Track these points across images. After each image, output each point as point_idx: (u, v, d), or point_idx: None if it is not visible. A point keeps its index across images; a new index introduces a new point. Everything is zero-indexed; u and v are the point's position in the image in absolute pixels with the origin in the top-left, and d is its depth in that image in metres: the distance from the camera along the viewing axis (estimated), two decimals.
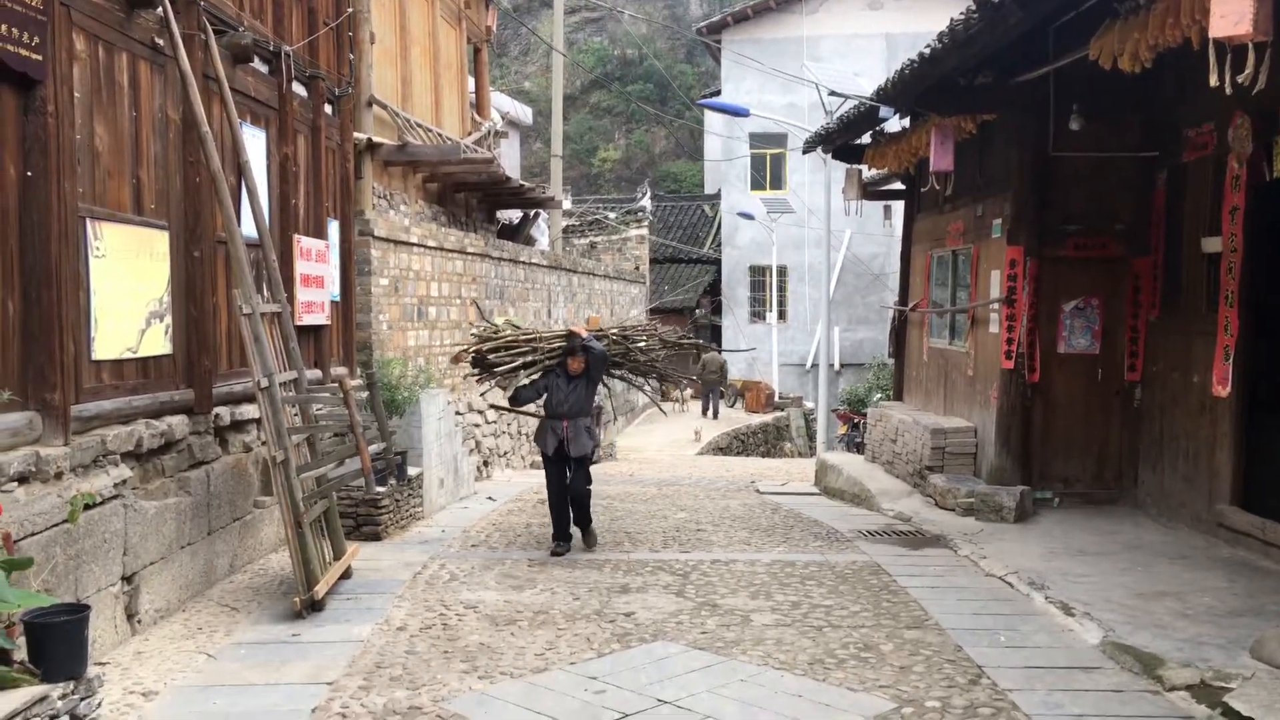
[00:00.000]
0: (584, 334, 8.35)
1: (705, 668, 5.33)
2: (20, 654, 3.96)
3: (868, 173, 13.19)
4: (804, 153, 14.06)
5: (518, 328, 8.92)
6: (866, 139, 12.13)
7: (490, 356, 8.39)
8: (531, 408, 8.85)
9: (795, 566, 7.64)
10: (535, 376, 8.34)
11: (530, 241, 17.94)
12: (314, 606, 6.13)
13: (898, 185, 13.44)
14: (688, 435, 21.57)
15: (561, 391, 8.17)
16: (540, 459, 8.80)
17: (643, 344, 9.03)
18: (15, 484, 4.69)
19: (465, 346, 9.01)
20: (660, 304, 28.66)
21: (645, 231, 27.67)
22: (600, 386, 8.75)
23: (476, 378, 8.99)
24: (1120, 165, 9.19)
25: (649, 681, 5.09)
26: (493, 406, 12.24)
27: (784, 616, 6.29)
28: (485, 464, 13.04)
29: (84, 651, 4.12)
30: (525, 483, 12.30)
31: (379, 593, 6.67)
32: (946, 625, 6.11)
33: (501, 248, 14.69)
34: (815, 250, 20.09)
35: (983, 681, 5.17)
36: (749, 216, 26.78)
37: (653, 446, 19.82)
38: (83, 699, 4.08)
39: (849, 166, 13.31)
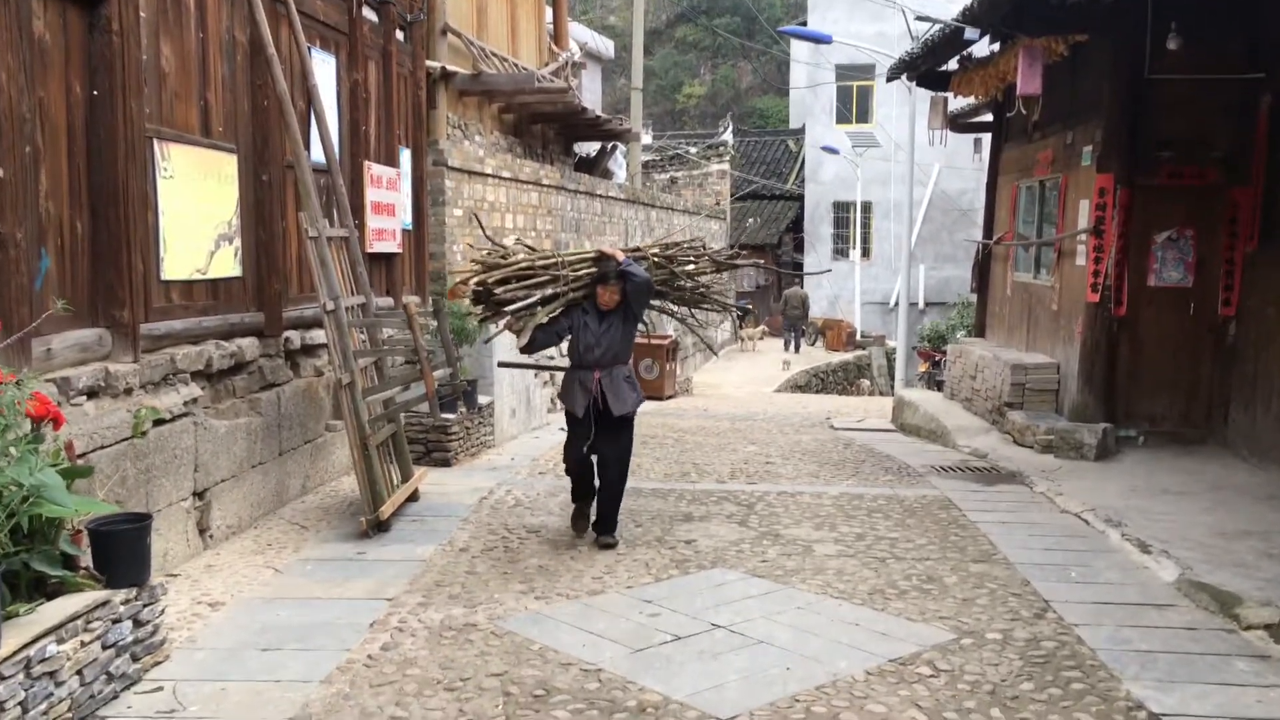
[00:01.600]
0: (620, 256, 6.18)
1: (762, 595, 5.28)
2: (86, 560, 4.08)
3: (954, 101, 12.72)
4: (888, 80, 13.61)
5: (532, 250, 6.72)
6: (953, 65, 11.67)
7: (497, 290, 6.25)
8: (553, 358, 7.33)
9: (863, 499, 7.52)
10: (556, 314, 6.24)
11: (607, 175, 17.80)
12: (380, 527, 6.23)
13: (986, 117, 12.95)
14: (767, 372, 21.40)
15: (591, 332, 6.12)
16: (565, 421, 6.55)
17: (690, 266, 6.71)
18: (84, 398, 4.82)
19: (462, 276, 6.75)
20: (741, 240, 28.32)
21: (726, 166, 27.28)
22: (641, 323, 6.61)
23: (480, 318, 6.75)
24: (1220, 89, 8.67)
25: (704, 606, 5.07)
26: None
27: (847, 548, 6.19)
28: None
29: (146, 560, 4.23)
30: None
31: (444, 515, 6.76)
32: (1015, 560, 5.95)
33: (578, 180, 14.60)
34: (901, 186, 19.51)
35: (1048, 616, 5.02)
36: (833, 151, 26.19)
37: (730, 383, 19.70)
38: (145, 605, 4.20)
39: (934, 94, 12.84)
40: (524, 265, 6.29)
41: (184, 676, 4.17)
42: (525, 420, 10.72)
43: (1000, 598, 5.29)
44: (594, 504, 6.34)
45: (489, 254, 6.51)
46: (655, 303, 6.74)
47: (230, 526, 6.12)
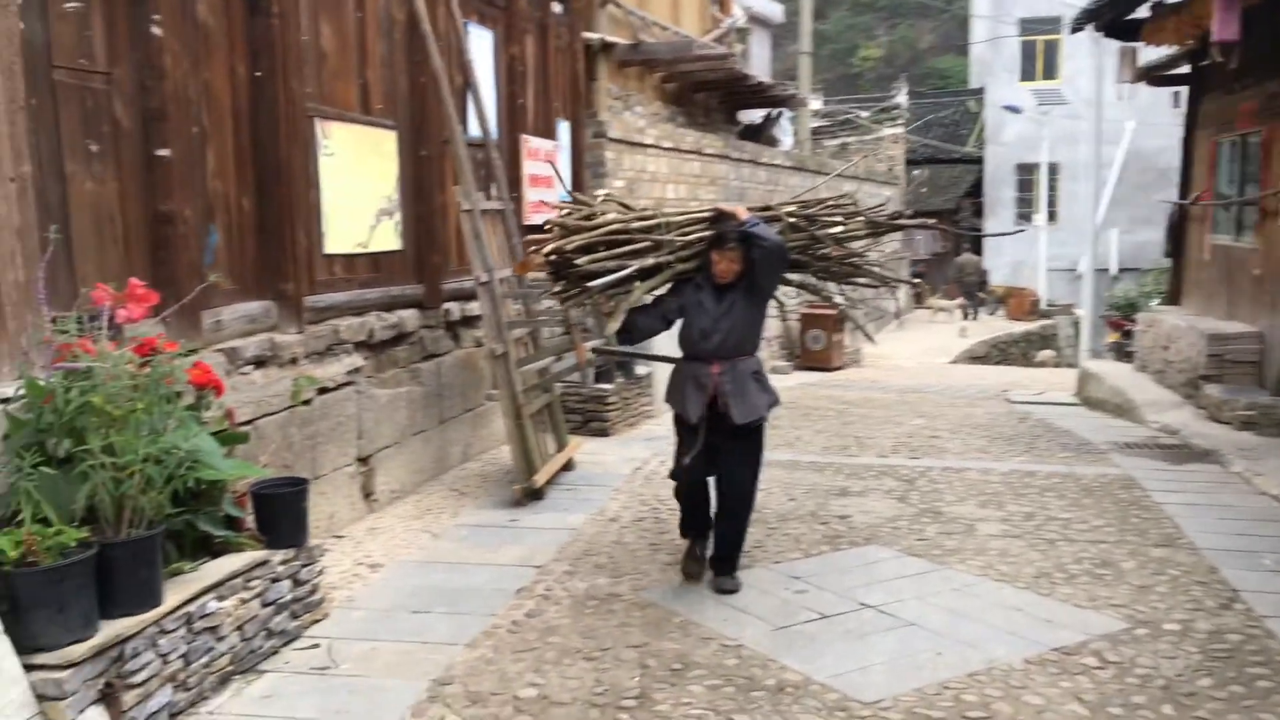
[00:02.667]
0: (743, 214, 4.81)
1: (917, 575, 5.06)
2: (250, 522, 4.28)
3: (1146, 51, 11.81)
4: (1072, 31, 12.77)
5: (627, 207, 5.32)
6: (1144, 12, 10.82)
7: (579, 261, 4.82)
8: (657, 346, 5.97)
9: (1035, 477, 7.12)
10: (660, 291, 4.98)
11: (773, 143, 17.49)
12: (534, 495, 6.31)
13: (1182, 69, 11.97)
14: (942, 343, 20.65)
15: (707, 314, 4.74)
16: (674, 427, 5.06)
17: (837, 229, 5.24)
18: (252, 367, 5.05)
19: (538, 246, 5.02)
20: (917, 207, 27.38)
21: (900, 130, 26.39)
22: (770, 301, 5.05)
23: (560, 296, 5.15)
24: None
25: (854, 585, 4.89)
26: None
27: (1013, 527, 5.87)
28: None
29: (304, 522, 4.40)
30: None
31: (597, 485, 6.79)
32: (1202, 545, 5.50)
33: (741, 149, 14.39)
34: (1091, 145, 18.35)
35: (1236, 606, 4.61)
36: (1016, 110, 24.92)
37: (903, 354, 19.10)
38: (304, 565, 4.37)
39: (1123, 45, 11.96)
40: (614, 228, 4.84)
41: (340, 635, 4.33)
42: None
43: (1182, 585, 4.89)
44: (710, 539, 4.99)
45: (569, 214, 5.04)
46: (793, 276, 5.30)
47: (393, 491, 6.33)
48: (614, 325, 4.84)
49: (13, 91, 3.77)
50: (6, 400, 3.55)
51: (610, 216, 5.00)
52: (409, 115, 6.62)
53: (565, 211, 5.08)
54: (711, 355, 4.72)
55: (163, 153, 4.53)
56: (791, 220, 5.06)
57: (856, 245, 5.36)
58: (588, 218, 5.00)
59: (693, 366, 4.79)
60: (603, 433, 8.34)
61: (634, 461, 7.45)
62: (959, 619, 4.48)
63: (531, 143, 8.29)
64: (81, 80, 4.17)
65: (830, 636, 4.30)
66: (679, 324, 4.89)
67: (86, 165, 4.19)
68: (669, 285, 4.96)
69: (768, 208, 5.16)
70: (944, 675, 3.93)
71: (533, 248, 5.03)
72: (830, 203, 5.38)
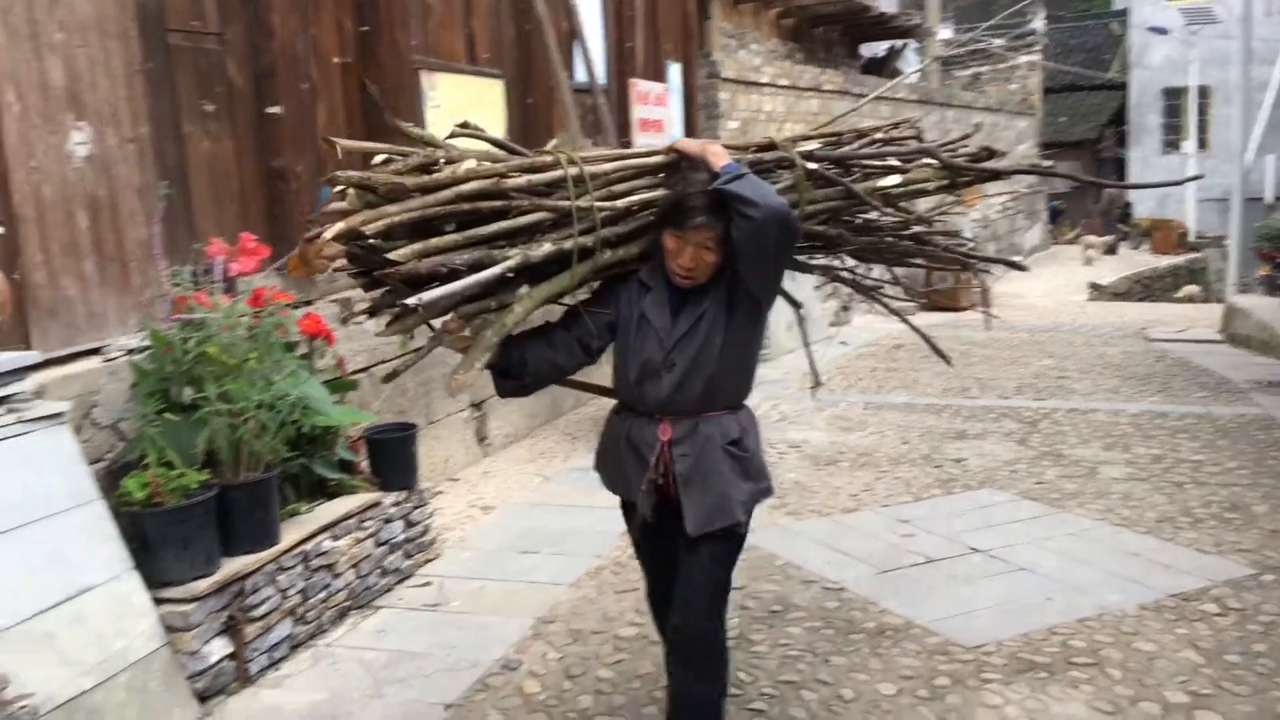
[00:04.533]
0: (718, 159, 2.63)
1: (1031, 519, 4.92)
2: (364, 466, 4.45)
3: None
4: None
5: (514, 152, 2.85)
6: None
7: (398, 254, 2.43)
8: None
9: (1166, 418, 6.81)
10: (576, 300, 2.85)
11: (897, 76, 16.93)
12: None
13: None
14: (1079, 279, 19.81)
15: (654, 337, 2.72)
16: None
17: (891, 180, 3.15)
18: (365, 316, 5.21)
19: (319, 227, 2.52)
20: (1054, 138, 26.19)
21: (1037, 58, 25.12)
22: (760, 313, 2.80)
23: (375, 312, 2.77)
24: None
25: (964, 529, 4.80)
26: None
27: (1138, 470, 5.64)
28: (845, 309, 12.79)
29: (414, 466, 4.56)
30: (884, 329, 11.93)
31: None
32: None
33: (862, 84, 13.98)
34: (1250, 66, 17.14)
35: None
36: (1162, 31, 23.46)
37: (1035, 292, 18.41)
38: (415, 507, 4.54)
39: None
40: (471, 189, 2.54)
41: (451, 573, 4.48)
42: (801, 334, 10.54)
43: None
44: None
45: (392, 163, 2.61)
46: (816, 260, 3.33)
47: (507, 435, 6.48)
48: (475, 365, 2.55)
49: (129, 56, 3.96)
50: (133, 351, 3.77)
51: (467, 168, 2.59)
52: (515, 63, 6.65)
53: (382, 160, 2.60)
54: (660, 408, 2.69)
55: (274, 110, 4.69)
56: (812, 168, 2.91)
57: (914, 203, 3.29)
58: (425, 169, 2.58)
59: (630, 424, 2.78)
60: None
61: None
62: (1073, 564, 4.35)
63: (640, 86, 8.23)
64: (195, 42, 4.33)
65: (935, 580, 4.24)
66: (618, 351, 2.78)
67: (202, 125, 4.37)
68: (590, 287, 2.86)
69: (770, 145, 2.95)
70: (1052, 620, 3.83)
71: (312, 230, 2.52)
72: (878, 135, 3.23)
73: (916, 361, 9.09)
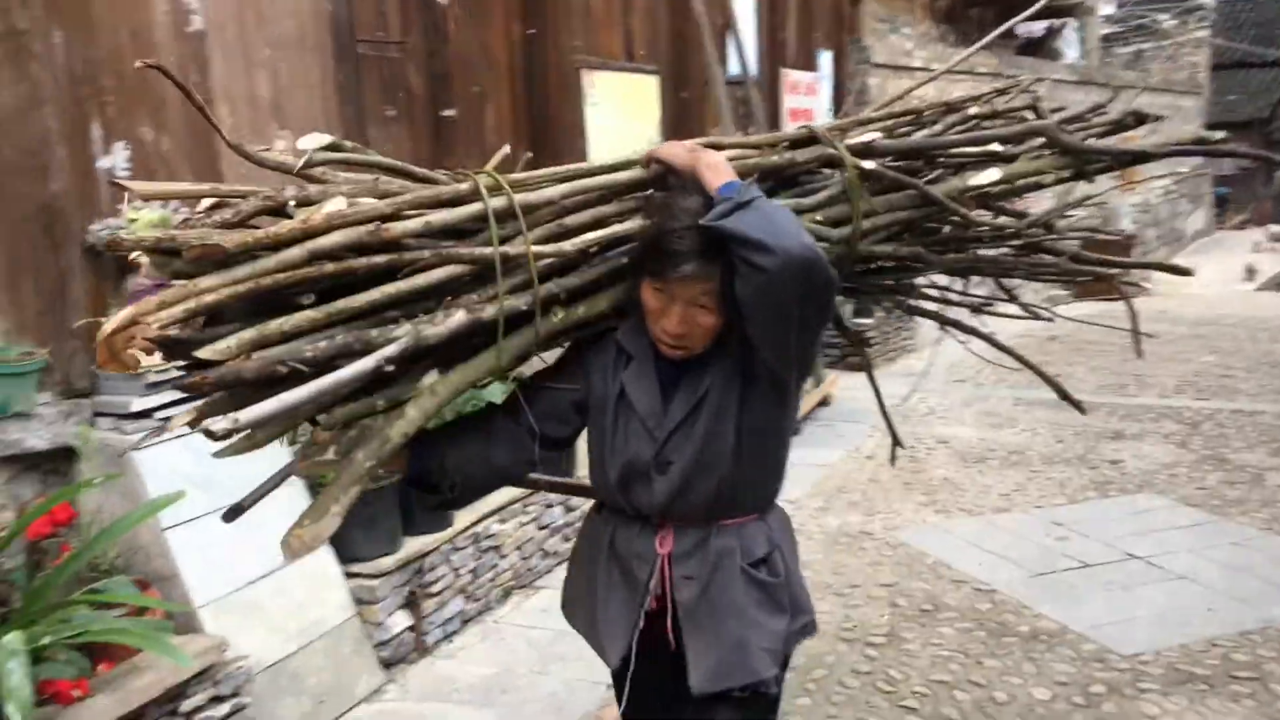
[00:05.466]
0: (713, 171, 1.78)
1: (1192, 525, 4.82)
2: None
3: None
4: None
5: (392, 171, 1.87)
6: None
7: (220, 346, 1.54)
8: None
9: None
10: (512, 382, 2.02)
11: (1055, 56, 16.37)
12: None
13: None
14: (1246, 266, 18.80)
15: (642, 423, 1.90)
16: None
17: (990, 176, 2.19)
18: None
19: (129, 316, 1.57)
20: (1220, 118, 24.84)
21: (1205, 34, 23.86)
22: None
23: (189, 421, 1.60)
24: None
25: (1121, 534, 4.73)
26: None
27: None
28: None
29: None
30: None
31: (853, 421, 6.83)
32: None
33: (1018, 65, 13.60)
34: None
35: None
36: None
37: (1198, 281, 17.60)
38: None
39: None
40: (330, 243, 1.62)
41: None
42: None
43: None
44: None
45: (210, 216, 1.66)
46: (879, 302, 3.07)
47: None
48: (331, 509, 1.67)
49: (325, 67, 4.25)
50: None
51: (330, 212, 1.65)
52: (670, 58, 6.78)
53: (209, 207, 1.70)
54: (658, 512, 1.95)
55: (448, 113, 4.94)
56: (868, 166, 2.08)
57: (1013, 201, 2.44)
58: (276, 215, 1.70)
59: (615, 529, 2.01)
60: (860, 367, 8.33)
61: (891, 397, 7.37)
62: (1236, 574, 4.26)
63: (791, 76, 8.26)
64: (380, 51, 4.60)
65: (1091, 586, 4.21)
66: (593, 447, 2.01)
67: (384, 129, 4.65)
68: (552, 361, 2.08)
69: (808, 138, 2.11)
70: (1212, 632, 3.78)
71: (114, 318, 1.61)
72: (974, 110, 2.37)
73: (1069, 355, 8.87)
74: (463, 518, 4.04)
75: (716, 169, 1.79)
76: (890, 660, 3.66)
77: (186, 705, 2.93)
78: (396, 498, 3.73)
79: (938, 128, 2.31)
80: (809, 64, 8.66)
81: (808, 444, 6.34)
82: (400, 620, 3.73)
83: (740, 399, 1.87)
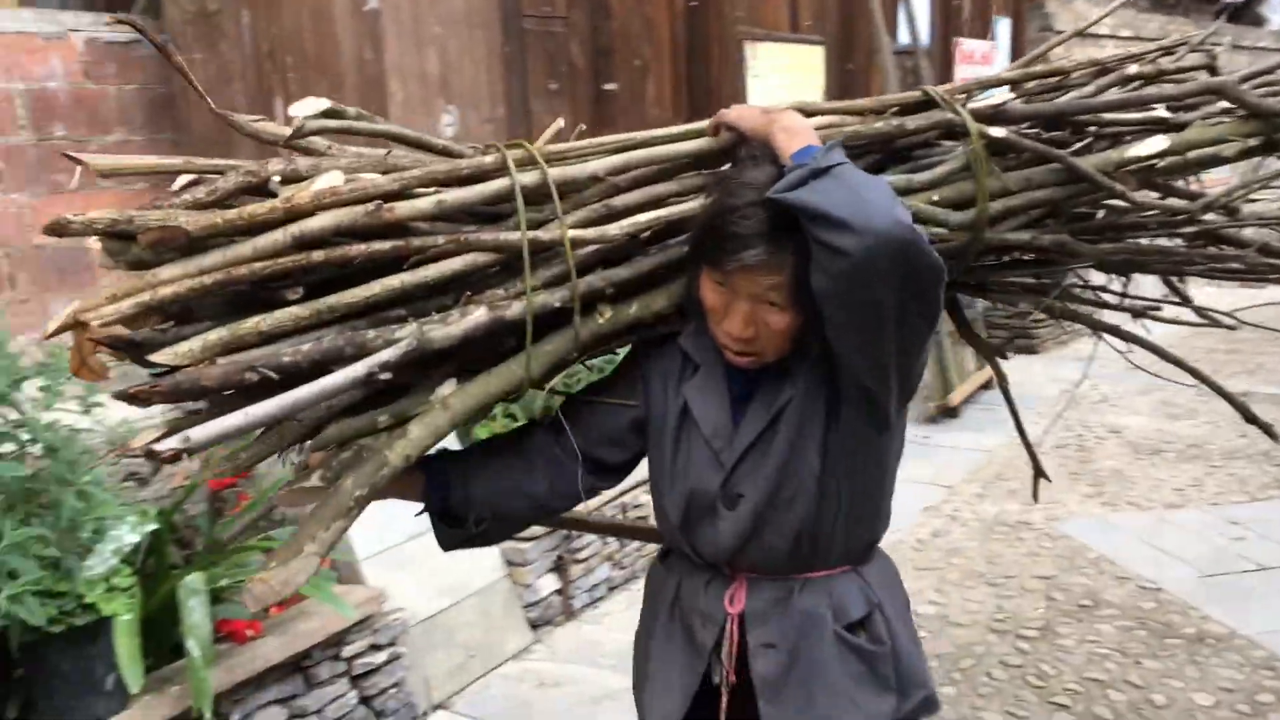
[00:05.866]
0: (792, 142, 1.41)
1: None
2: None
3: None
4: None
5: (403, 140, 1.58)
6: None
7: (183, 349, 1.29)
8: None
9: None
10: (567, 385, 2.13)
11: (1259, 22, 15.20)
12: (948, 413, 6.29)
13: None
14: None
15: (703, 447, 1.58)
16: None
17: (1157, 144, 1.80)
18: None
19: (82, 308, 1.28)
20: None
21: None
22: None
23: (154, 440, 1.27)
24: None
25: None
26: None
27: None
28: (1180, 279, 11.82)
29: None
30: (1228, 301, 10.94)
31: (1027, 408, 6.58)
32: None
33: (1219, 33, 12.71)
34: None
35: None
36: None
37: None
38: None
39: None
40: (318, 226, 1.35)
41: None
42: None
43: None
44: None
45: (186, 195, 1.39)
46: (1014, 303, 2.23)
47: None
48: (308, 547, 1.37)
49: (491, 43, 4.36)
50: None
51: (320, 189, 1.37)
52: (836, 28, 6.64)
53: (184, 185, 1.43)
54: (727, 559, 1.62)
55: (609, 86, 5.00)
56: (997, 134, 1.74)
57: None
58: (256, 192, 1.43)
59: (681, 579, 1.70)
60: (1029, 350, 8.03)
61: (1061, 383, 7.12)
62: None
63: (965, 45, 7.95)
64: (544, 25, 4.69)
65: (1268, 590, 3.96)
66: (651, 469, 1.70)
67: (547, 103, 4.74)
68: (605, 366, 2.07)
69: (925, 101, 1.79)
70: None
71: (56, 317, 1.29)
72: (1134, 70, 1.96)
73: (1263, 345, 8.29)
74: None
75: (794, 132, 1.44)
76: (1043, 654, 3.54)
77: (347, 651, 3.11)
78: None
79: (1088, 89, 1.93)
80: (984, 32, 8.32)
81: (967, 428, 6.17)
82: (549, 583, 3.84)
83: (827, 418, 1.52)
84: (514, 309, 1.44)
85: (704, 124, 1.60)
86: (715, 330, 1.50)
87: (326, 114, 1.52)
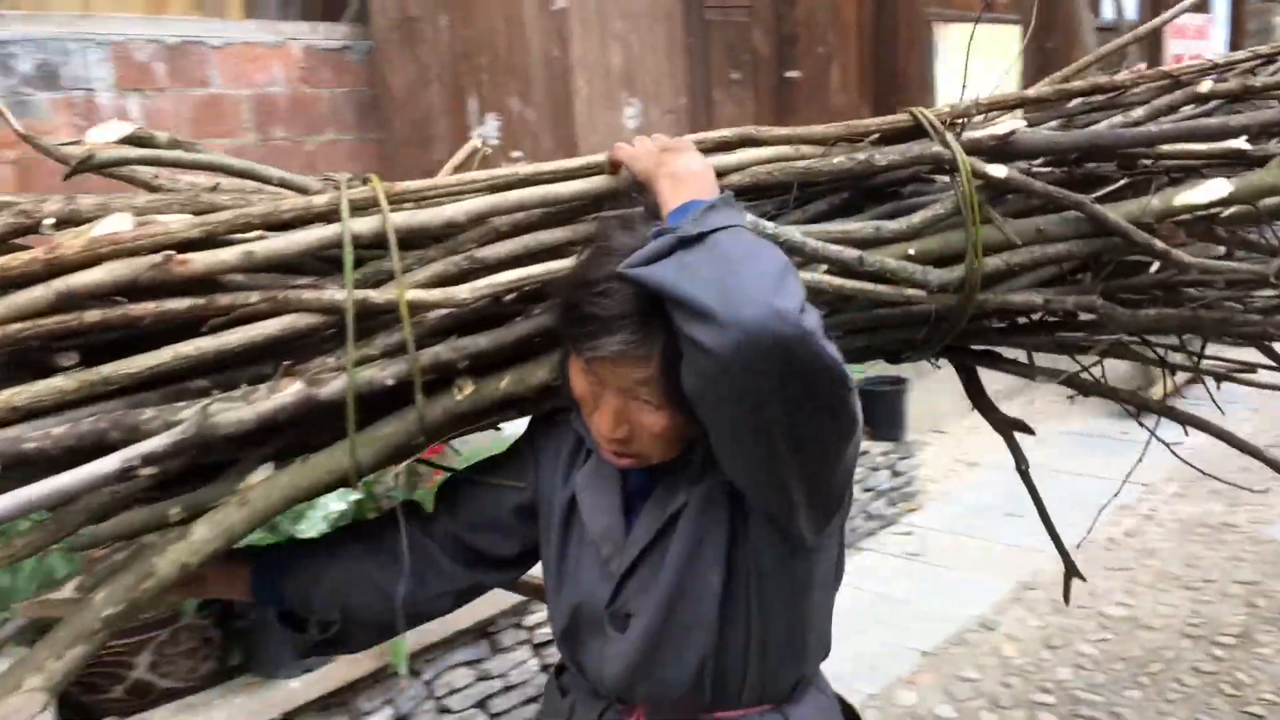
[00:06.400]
0: (678, 191, 1.16)
1: None
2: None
3: None
4: None
5: (228, 171, 1.32)
6: None
7: None
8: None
9: None
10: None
11: None
12: (1151, 409, 5.98)
13: None
14: None
15: (591, 552, 1.31)
16: None
17: (1216, 189, 1.46)
18: None
19: None
20: None
21: None
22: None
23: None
24: None
25: None
26: None
27: None
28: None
29: (903, 417, 4.74)
30: None
31: (1229, 402, 6.17)
32: None
33: None
34: None
35: None
36: None
37: None
38: (901, 458, 4.73)
39: None
40: (91, 282, 1.12)
41: (931, 526, 4.63)
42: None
43: None
44: None
45: None
46: (1033, 376, 1.86)
47: (998, 391, 6.38)
48: (96, 619, 1.12)
49: (673, 35, 4.45)
50: None
51: (96, 236, 1.14)
52: (1036, 6, 6.39)
53: None
54: (619, 690, 1.32)
55: (792, 74, 5.01)
56: (996, 174, 1.41)
57: None
58: (30, 233, 1.19)
59: (573, 708, 1.39)
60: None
61: None
62: None
63: (1178, 19, 7.50)
64: (726, 16, 4.75)
65: None
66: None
67: (728, 91, 4.80)
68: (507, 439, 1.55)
69: (910, 126, 1.47)
70: None
71: None
72: (1204, 89, 1.56)
73: None
74: None
75: (680, 180, 1.16)
76: (1239, 662, 3.36)
77: (529, 620, 3.28)
78: None
79: (1137, 113, 1.54)
80: (1201, 4, 7.81)
81: (1169, 423, 5.83)
82: None
83: (731, 531, 1.22)
84: (332, 386, 1.18)
85: (601, 158, 1.30)
86: (589, 423, 1.22)
87: (130, 140, 1.27)
